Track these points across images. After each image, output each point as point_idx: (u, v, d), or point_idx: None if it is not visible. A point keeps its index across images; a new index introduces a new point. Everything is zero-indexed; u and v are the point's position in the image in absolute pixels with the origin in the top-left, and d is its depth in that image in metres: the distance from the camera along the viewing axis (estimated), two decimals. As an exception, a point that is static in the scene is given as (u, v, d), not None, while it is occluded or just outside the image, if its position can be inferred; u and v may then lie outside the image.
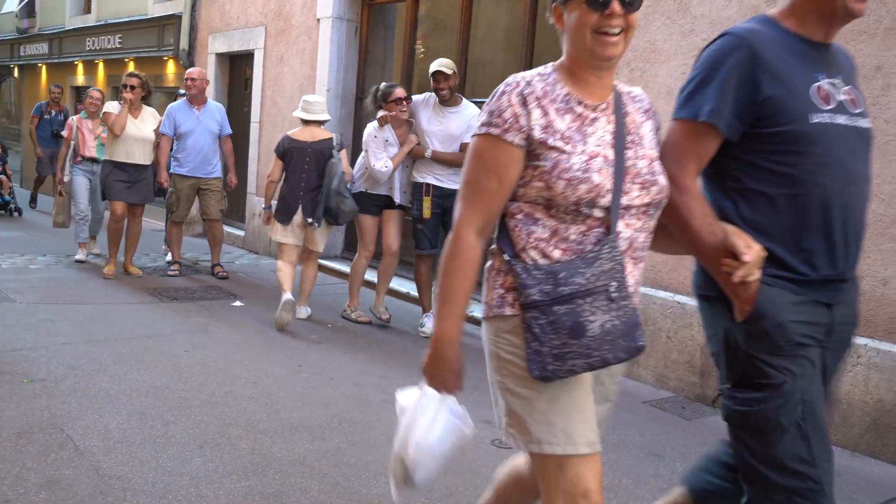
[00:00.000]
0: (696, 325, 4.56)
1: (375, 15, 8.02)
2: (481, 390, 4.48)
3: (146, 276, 6.97)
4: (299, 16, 8.38)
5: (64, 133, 7.85)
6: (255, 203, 8.79)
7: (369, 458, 3.36)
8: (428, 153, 5.45)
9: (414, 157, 5.54)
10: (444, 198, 5.40)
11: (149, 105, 7.22)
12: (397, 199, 5.66)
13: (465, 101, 5.55)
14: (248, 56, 9.29)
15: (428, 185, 5.48)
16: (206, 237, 7.38)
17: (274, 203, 5.71)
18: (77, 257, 7.48)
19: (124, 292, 6.32)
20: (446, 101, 5.45)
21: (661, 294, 4.73)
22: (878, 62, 3.84)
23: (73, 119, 7.78)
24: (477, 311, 4.44)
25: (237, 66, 9.82)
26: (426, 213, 5.48)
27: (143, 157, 6.91)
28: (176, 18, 10.47)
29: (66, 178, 7.68)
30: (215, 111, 7.18)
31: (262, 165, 8.66)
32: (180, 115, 6.96)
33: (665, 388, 4.70)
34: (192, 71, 7.14)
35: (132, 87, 6.81)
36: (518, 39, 6.28)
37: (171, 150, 7.02)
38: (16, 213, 11.15)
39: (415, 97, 5.67)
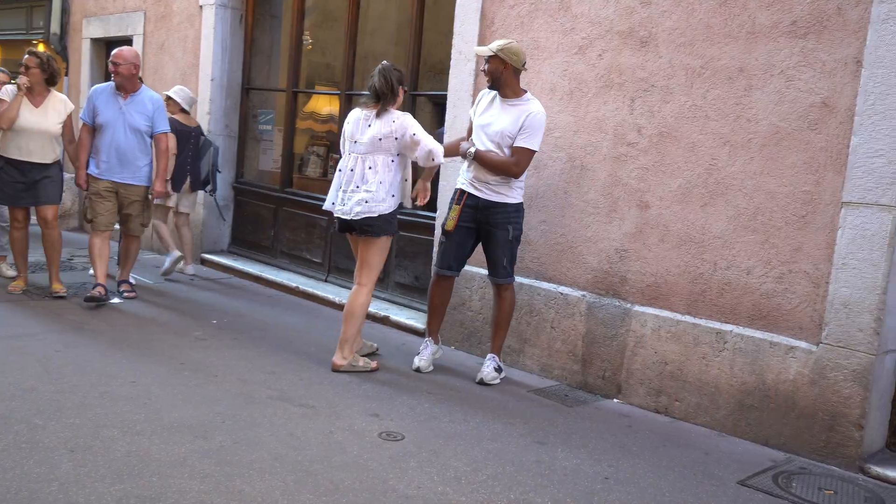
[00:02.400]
0: (577, 316, 4.72)
1: (261, 4, 7.84)
2: (370, 382, 4.50)
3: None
4: (181, 1, 8.08)
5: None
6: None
7: (253, 455, 3.29)
8: (471, 150, 4.54)
9: (451, 154, 4.71)
10: (479, 210, 4.55)
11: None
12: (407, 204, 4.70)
13: (527, 96, 4.56)
14: (126, 42, 8.85)
15: (462, 191, 4.62)
16: (119, 250, 6.27)
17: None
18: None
19: (-11, 290, 5.92)
20: (506, 95, 4.53)
21: (545, 285, 4.87)
22: (740, 64, 4.08)
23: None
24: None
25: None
26: (449, 223, 4.59)
27: (41, 153, 5.77)
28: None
29: None
30: (146, 103, 5.85)
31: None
32: (100, 102, 5.76)
33: (549, 377, 4.85)
34: (119, 53, 5.76)
35: (28, 68, 5.73)
36: (406, 33, 6.29)
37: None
38: None
39: (483, 91, 4.76)
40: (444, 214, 4.90)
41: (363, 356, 4.78)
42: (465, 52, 5.32)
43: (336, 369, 4.56)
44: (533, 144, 4.45)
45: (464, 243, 4.65)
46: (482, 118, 4.59)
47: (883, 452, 3.85)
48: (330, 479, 3.13)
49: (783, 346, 3.92)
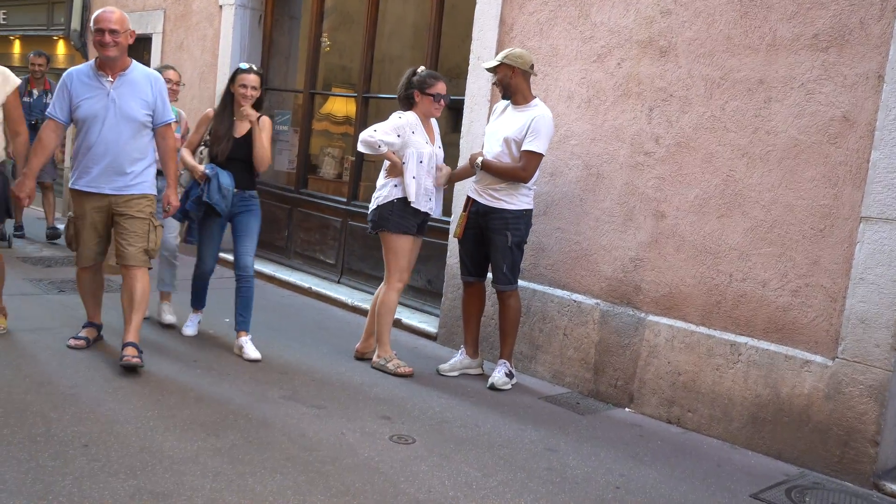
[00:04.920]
0: (591, 324, 4.71)
1: (280, 4, 7.88)
2: (380, 387, 4.49)
3: (29, 267, 6.59)
4: (201, 1, 8.13)
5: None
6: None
7: (265, 454, 3.30)
8: (478, 161, 4.57)
9: (465, 169, 4.78)
10: (480, 216, 4.60)
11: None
12: (433, 212, 4.71)
13: (535, 101, 4.58)
14: (145, 40, 8.93)
15: (469, 197, 4.68)
16: (121, 293, 4.38)
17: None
18: (168, 319, 5.25)
19: (6, 284, 5.94)
20: (517, 102, 4.56)
21: (559, 293, 4.86)
22: (760, 76, 4.07)
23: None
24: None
25: (133, 51, 9.33)
26: (457, 230, 4.71)
27: None
28: (67, -4, 9.94)
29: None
30: (143, 83, 4.27)
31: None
32: (79, 89, 4.19)
33: (560, 385, 4.84)
34: (106, 16, 4.19)
35: None
36: (424, 36, 6.30)
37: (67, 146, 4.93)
38: (4, 243, 7.28)
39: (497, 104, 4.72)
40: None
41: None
42: (484, 57, 5.32)
43: (358, 357, 4.87)
44: (539, 147, 4.45)
45: (475, 249, 4.69)
46: (492, 126, 4.70)
47: (897, 469, 3.83)
48: (341, 481, 3.13)
49: (798, 359, 3.90)
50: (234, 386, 4.15)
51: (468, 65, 5.47)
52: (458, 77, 5.93)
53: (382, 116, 4.88)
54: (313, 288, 6.67)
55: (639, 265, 4.55)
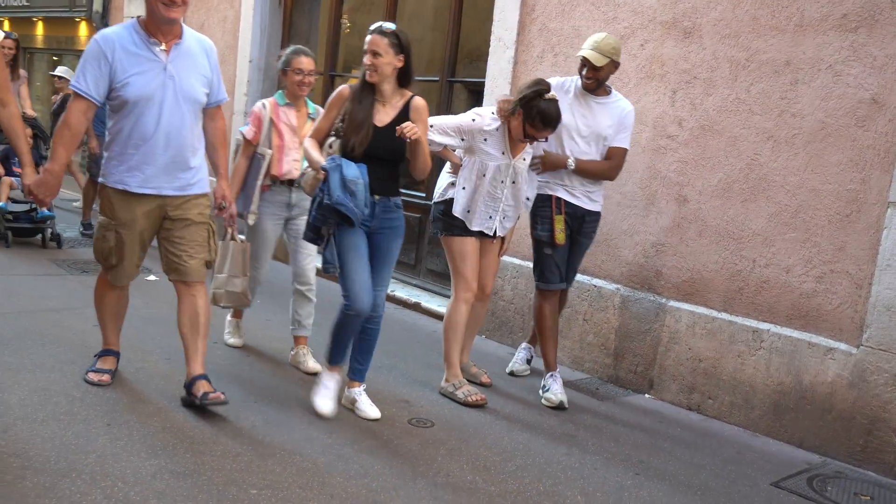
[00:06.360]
0: (611, 309, 4.68)
1: (301, -14, 7.85)
2: (399, 370, 4.49)
3: (53, 249, 6.66)
4: (222, -18, 8.12)
5: (244, 130, 4.25)
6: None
7: (284, 436, 3.32)
8: (570, 163, 4.08)
9: (550, 167, 4.12)
10: (575, 219, 4.19)
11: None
12: (491, 231, 4.10)
13: (614, 91, 4.23)
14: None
15: (559, 199, 4.18)
16: (179, 317, 3.62)
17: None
18: (231, 341, 4.56)
19: (30, 264, 6.03)
20: (592, 90, 4.13)
21: (579, 277, 4.82)
22: (787, 57, 3.99)
23: (264, 104, 4.27)
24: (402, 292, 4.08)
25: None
26: (559, 236, 4.14)
27: None
28: (89, -22, 9.98)
29: (250, 218, 4.22)
30: (199, 53, 3.46)
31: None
32: (125, 58, 3.27)
33: (580, 370, 4.82)
34: None
35: None
36: (445, 18, 6.25)
37: (98, 133, 4.21)
38: (52, 243, 6.68)
39: (551, 81, 4.04)
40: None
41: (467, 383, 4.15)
42: (505, 39, 5.28)
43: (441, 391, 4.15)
44: (629, 143, 4.21)
45: (565, 255, 4.24)
46: (569, 118, 4.08)
47: (921, 459, 3.78)
48: (360, 463, 3.14)
49: (822, 347, 3.85)
50: (255, 367, 4.16)
51: (489, 46, 5.42)
52: (478, 59, 5.88)
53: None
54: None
55: (660, 250, 4.50)
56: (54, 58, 12.24)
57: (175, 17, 3.26)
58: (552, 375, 4.21)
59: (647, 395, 4.50)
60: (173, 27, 3.33)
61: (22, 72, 7.37)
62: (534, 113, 3.76)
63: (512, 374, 4.55)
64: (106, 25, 9.78)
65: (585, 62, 4.02)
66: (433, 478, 3.11)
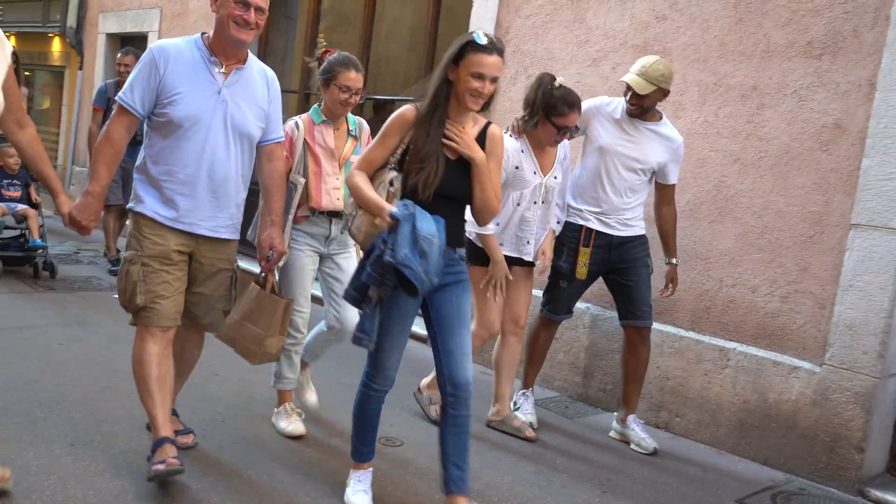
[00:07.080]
0: (581, 328, 4.71)
1: (277, 5, 7.84)
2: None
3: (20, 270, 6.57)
4: (197, 0, 8.12)
5: None
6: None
7: (251, 456, 3.29)
8: (556, 229, 3.92)
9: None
10: (613, 249, 3.91)
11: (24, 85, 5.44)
12: (530, 256, 3.85)
13: (665, 118, 3.95)
14: (141, 38, 8.92)
15: (589, 229, 3.91)
16: (181, 364, 3.31)
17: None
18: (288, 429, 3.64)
19: (-4, 280, 5.95)
20: (637, 116, 3.86)
21: (550, 296, 4.86)
22: (754, 82, 4.08)
23: (297, 123, 3.56)
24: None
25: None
26: (580, 271, 3.90)
27: None
28: (64, -7, 9.93)
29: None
30: (259, 83, 3.10)
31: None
32: (179, 70, 2.93)
33: (550, 388, 4.84)
34: None
35: None
36: (421, 38, 6.31)
37: (138, 153, 3.12)
38: (45, 272, 6.25)
39: (590, 102, 3.90)
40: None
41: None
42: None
43: (487, 424, 3.99)
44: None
45: (585, 285, 4.04)
46: (611, 141, 3.85)
47: (883, 476, 3.83)
48: (329, 483, 3.13)
49: (786, 365, 3.90)
50: (223, 387, 4.12)
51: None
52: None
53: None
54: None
55: (630, 270, 4.54)
56: (26, 73, 12.13)
57: (245, 39, 2.93)
58: (524, 394, 4.21)
59: (616, 414, 4.52)
60: (240, 50, 2.99)
61: (24, 89, 7.27)
62: (554, 102, 3.55)
63: (651, 451, 4.01)
64: (80, 42, 9.72)
65: (629, 88, 3.77)
66: (401, 497, 3.10)
